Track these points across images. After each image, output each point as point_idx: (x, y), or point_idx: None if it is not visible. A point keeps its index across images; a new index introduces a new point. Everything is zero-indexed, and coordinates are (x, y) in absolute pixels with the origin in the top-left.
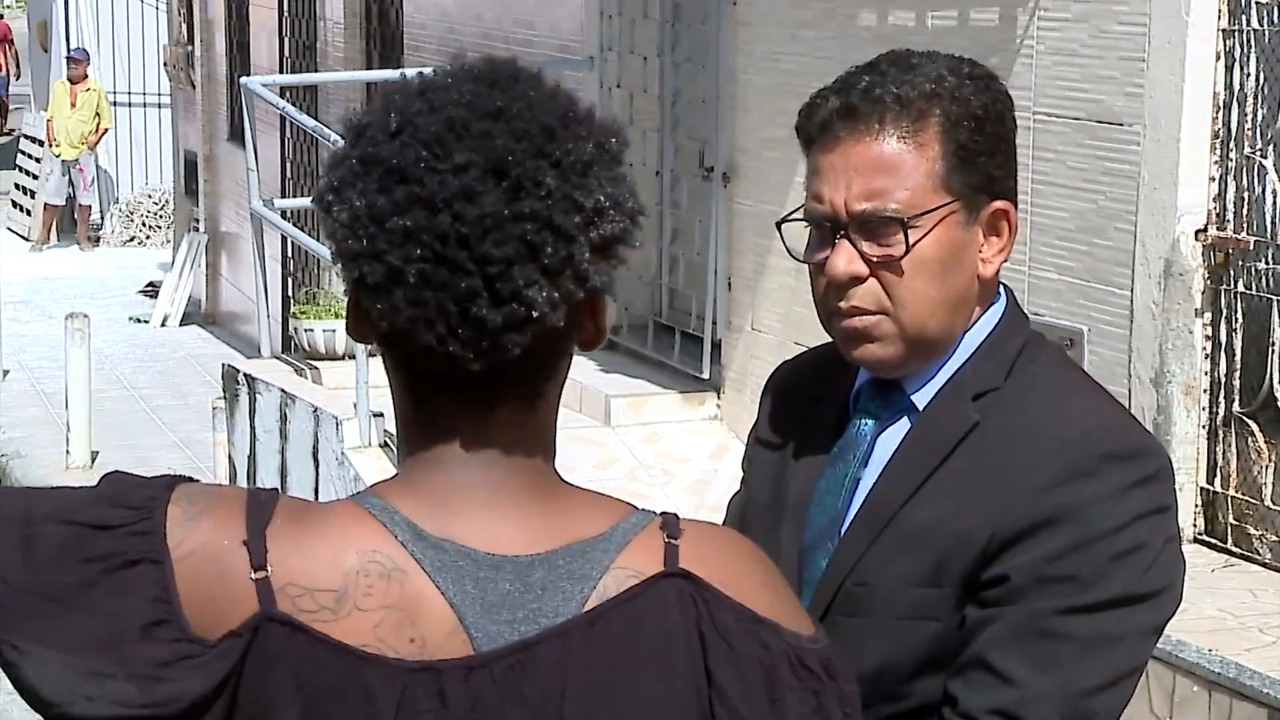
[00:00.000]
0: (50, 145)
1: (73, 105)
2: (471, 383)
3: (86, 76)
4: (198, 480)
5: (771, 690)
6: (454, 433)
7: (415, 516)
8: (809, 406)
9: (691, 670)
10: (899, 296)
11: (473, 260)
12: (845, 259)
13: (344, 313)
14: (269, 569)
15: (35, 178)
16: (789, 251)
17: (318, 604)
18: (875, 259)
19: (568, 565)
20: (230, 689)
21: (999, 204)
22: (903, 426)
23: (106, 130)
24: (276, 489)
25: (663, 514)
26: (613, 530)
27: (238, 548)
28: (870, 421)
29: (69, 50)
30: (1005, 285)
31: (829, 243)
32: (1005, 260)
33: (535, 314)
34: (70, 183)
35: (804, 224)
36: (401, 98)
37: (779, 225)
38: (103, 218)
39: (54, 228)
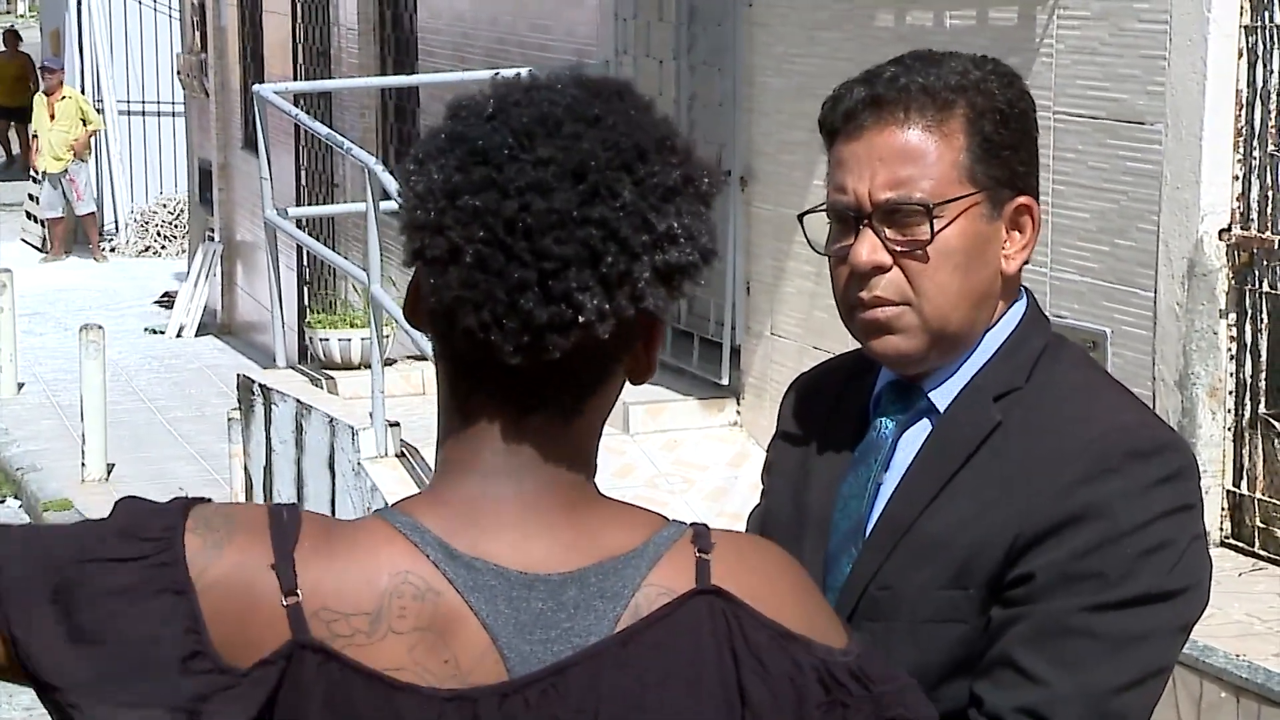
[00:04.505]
0: (33, 158)
1: (51, 117)
2: (510, 382)
3: (61, 85)
4: (211, 500)
5: (800, 708)
6: (487, 435)
7: (445, 534)
8: (829, 412)
9: (724, 689)
10: (922, 287)
11: (531, 252)
12: (869, 248)
13: (359, 322)
14: (300, 594)
15: None
16: (810, 244)
17: (352, 628)
18: (899, 248)
19: (600, 583)
20: (266, 717)
21: (1022, 199)
22: (923, 428)
23: (95, 131)
24: (297, 505)
25: (694, 525)
26: (645, 545)
27: (265, 572)
28: (891, 422)
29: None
30: (1025, 287)
31: (851, 233)
32: (1028, 258)
33: (582, 319)
34: (64, 195)
35: (826, 218)
36: (506, 88)
37: (801, 218)
38: (117, 226)
39: (65, 241)
